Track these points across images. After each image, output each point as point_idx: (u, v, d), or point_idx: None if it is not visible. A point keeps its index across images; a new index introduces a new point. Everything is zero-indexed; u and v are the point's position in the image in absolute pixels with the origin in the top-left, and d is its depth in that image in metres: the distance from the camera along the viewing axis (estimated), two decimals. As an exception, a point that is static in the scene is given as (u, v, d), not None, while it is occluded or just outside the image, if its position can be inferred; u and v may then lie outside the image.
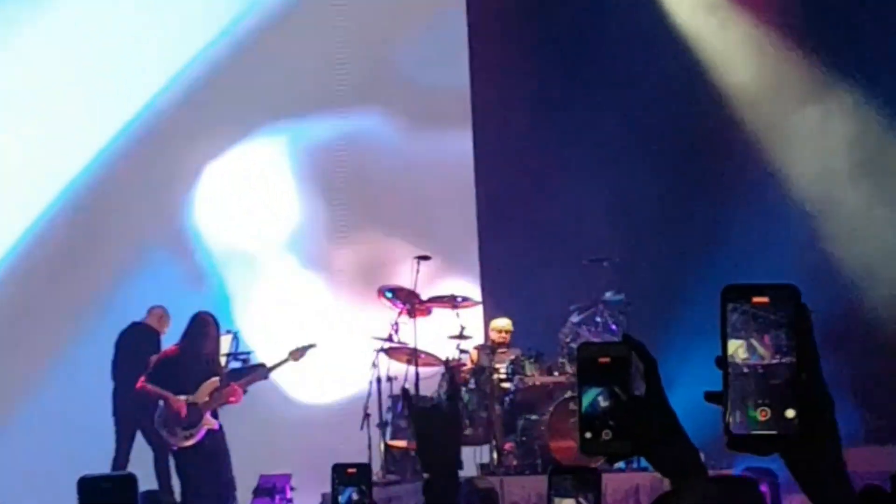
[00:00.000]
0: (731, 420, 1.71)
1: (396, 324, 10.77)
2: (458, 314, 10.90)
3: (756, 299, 1.73)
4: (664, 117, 12.62)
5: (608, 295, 10.95)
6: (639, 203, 12.56)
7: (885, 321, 11.92)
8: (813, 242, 12.03)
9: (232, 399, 9.31)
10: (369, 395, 10.70)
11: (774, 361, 1.71)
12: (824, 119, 12.28)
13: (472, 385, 10.56)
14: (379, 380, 10.72)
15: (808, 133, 12.36)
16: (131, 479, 3.27)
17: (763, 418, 1.70)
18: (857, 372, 10.91)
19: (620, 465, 10.16)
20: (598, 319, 10.88)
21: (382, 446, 10.56)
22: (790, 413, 1.71)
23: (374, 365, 10.70)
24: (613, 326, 10.69)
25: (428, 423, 2.87)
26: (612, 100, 12.77)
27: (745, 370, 1.72)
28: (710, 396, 1.73)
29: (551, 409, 10.13)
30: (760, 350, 1.72)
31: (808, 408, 1.70)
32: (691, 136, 12.72)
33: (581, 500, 2.83)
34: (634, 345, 1.94)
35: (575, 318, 10.88)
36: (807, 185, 12.33)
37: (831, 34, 12.47)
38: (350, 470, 3.97)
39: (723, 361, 1.73)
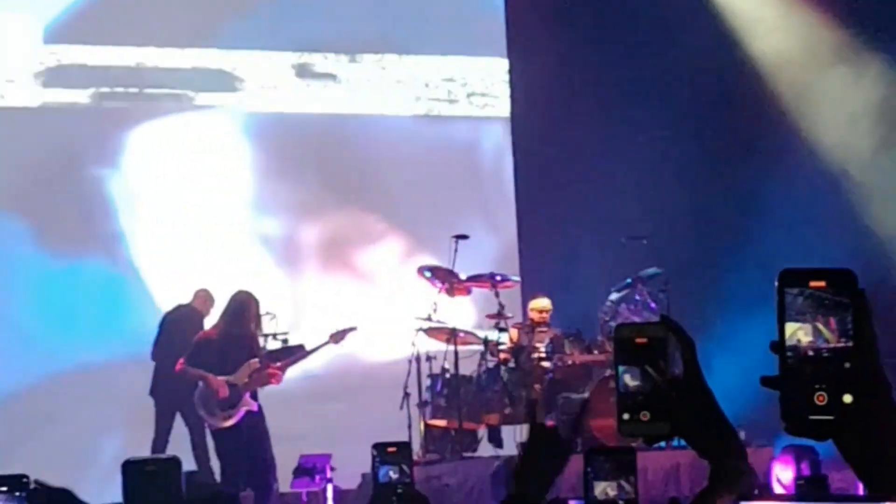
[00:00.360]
0: (788, 404, 1.69)
1: (435, 303, 10.76)
2: (496, 293, 10.89)
3: (814, 283, 1.71)
4: (701, 90, 12.55)
5: (648, 271, 10.89)
6: (678, 180, 12.50)
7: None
8: (850, 212, 11.90)
9: (272, 381, 9.33)
10: (409, 374, 10.70)
11: (833, 345, 1.69)
12: (856, 84, 12.16)
13: (511, 364, 10.56)
14: (418, 359, 10.72)
15: (841, 99, 12.24)
16: (175, 462, 3.28)
17: (820, 403, 1.68)
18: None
19: (660, 443, 10.13)
20: (638, 297, 10.83)
21: (422, 425, 10.57)
22: (847, 398, 1.69)
23: (414, 344, 10.69)
24: (653, 304, 10.65)
25: (541, 443, 2.80)
26: (649, 75, 12.73)
27: (802, 354, 1.69)
28: (767, 381, 1.71)
29: (591, 387, 10.11)
30: (826, 333, 1.70)
31: (866, 393, 1.68)
32: (728, 109, 12.63)
33: (622, 482, 2.81)
34: (672, 325, 1.93)
35: (614, 296, 10.85)
36: (841, 152, 12.21)
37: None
38: (391, 449, 3.96)
39: (779, 346, 1.71)
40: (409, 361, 10.70)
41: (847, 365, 1.70)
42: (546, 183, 13.35)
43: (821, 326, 1.70)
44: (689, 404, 1.91)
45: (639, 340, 1.93)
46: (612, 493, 2.75)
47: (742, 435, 8.26)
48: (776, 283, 1.72)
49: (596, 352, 10.46)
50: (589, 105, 13.03)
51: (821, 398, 1.70)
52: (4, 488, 3.30)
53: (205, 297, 11.02)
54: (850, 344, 1.69)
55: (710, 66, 12.58)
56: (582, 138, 13.04)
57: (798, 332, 1.70)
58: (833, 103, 12.26)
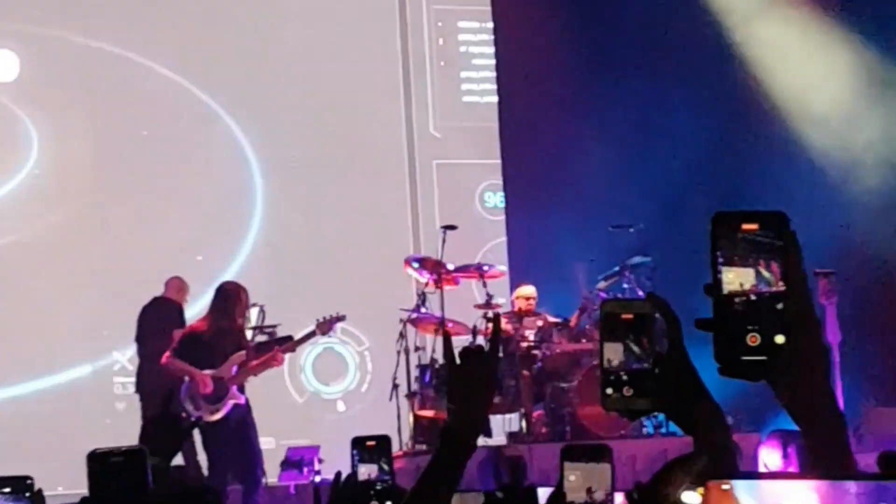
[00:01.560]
0: (721, 346, 1.72)
1: (423, 294, 10.74)
2: (484, 283, 10.88)
3: (746, 226, 1.73)
4: (690, 77, 12.55)
5: (635, 259, 10.91)
6: (666, 167, 12.50)
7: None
8: (836, 202, 11.92)
9: (274, 363, 9.31)
10: (397, 365, 10.69)
11: (763, 288, 1.72)
12: (835, 69, 12.22)
13: (500, 353, 10.52)
14: (407, 350, 10.70)
15: (825, 90, 12.30)
16: (141, 453, 3.23)
17: (753, 344, 1.71)
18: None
19: (649, 430, 10.13)
20: (625, 285, 10.86)
21: (411, 416, 10.55)
22: (780, 339, 1.70)
23: (402, 335, 10.68)
24: (640, 292, 10.65)
25: (467, 361, 2.80)
26: (640, 62, 12.73)
27: (738, 297, 1.72)
28: (701, 323, 1.74)
29: (579, 375, 10.10)
30: (768, 277, 1.72)
31: (797, 333, 1.71)
32: (717, 96, 12.64)
33: (596, 476, 2.72)
34: (658, 302, 1.93)
35: (601, 284, 10.86)
36: (827, 140, 12.26)
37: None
38: (370, 443, 3.90)
39: (712, 288, 1.73)
40: (398, 353, 10.69)
41: (779, 306, 1.71)
42: (534, 171, 13.34)
43: (763, 270, 1.72)
44: (673, 380, 1.91)
45: (624, 316, 1.94)
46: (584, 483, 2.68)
47: (729, 420, 8.25)
48: (709, 227, 1.74)
49: (584, 340, 10.46)
50: (577, 91, 13.02)
51: (753, 339, 1.71)
52: (7, 490, 3.26)
53: (178, 286, 10.92)
54: (776, 287, 1.71)
55: (700, 53, 12.60)
56: (570, 126, 13.03)
57: (739, 277, 1.72)
58: (819, 95, 12.34)
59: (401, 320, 10.71)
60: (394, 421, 10.46)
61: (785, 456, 7.69)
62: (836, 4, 12.28)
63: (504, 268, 11.78)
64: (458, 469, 2.76)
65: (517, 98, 13.47)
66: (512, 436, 10.47)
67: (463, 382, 2.71)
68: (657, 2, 12.69)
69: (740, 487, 1.66)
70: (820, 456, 1.76)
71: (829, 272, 9.75)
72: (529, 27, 13.16)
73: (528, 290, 11.04)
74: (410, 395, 10.63)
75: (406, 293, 11.09)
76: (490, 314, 10.46)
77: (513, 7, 13.43)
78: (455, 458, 2.72)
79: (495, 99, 13.65)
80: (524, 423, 10.37)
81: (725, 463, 1.84)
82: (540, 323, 10.69)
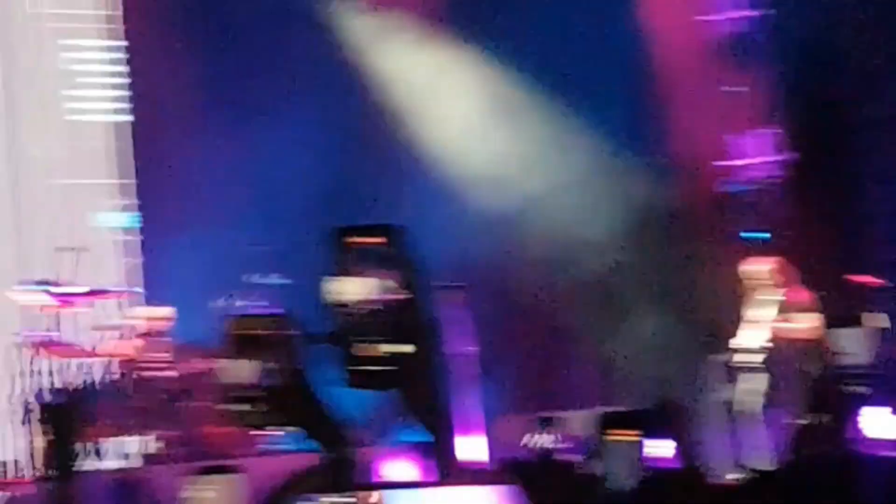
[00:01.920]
0: (343, 359, 1.75)
1: (46, 317, 10.48)
2: (119, 304, 10.76)
3: (362, 239, 1.78)
4: (317, 100, 12.76)
5: (267, 278, 10.96)
6: (295, 187, 12.62)
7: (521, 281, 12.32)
8: (465, 217, 12.33)
9: None
10: (22, 390, 10.40)
11: (387, 298, 1.77)
12: (458, 90, 12.71)
13: (130, 376, 10.42)
14: (33, 374, 10.36)
15: (448, 111, 12.76)
16: None
17: (371, 354, 1.76)
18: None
19: (283, 446, 10.18)
20: (260, 304, 10.86)
21: (38, 443, 10.26)
22: (403, 348, 1.77)
23: (22, 359, 10.38)
24: (272, 311, 10.68)
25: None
26: (265, 84, 12.86)
27: (357, 308, 1.76)
28: (318, 338, 1.77)
29: (210, 396, 10.04)
30: (388, 288, 1.77)
31: (415, 343, 1.77)
32: (346, 119, 12.89)
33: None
34: (287, 321, 1.95)
35: (235, 304, 10.85)
36: (450, 157, 12.71)
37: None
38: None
39: (332, 302, 1.76)
40: (19, 376, 10.37)
41: (395, 317, 1.76)
42: (167, 192, 13.25)
43: (380, 282, 1.77)
44: (300, 398, 1.95)
45: (253, 334, 1.94)
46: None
47: (365, 434, 8.39)
48: (331, 241, 1.76)
49: (215, 359, 10.40)
50: (206, 112, 13.04)
51: (371, 350, 1.76)
52: None
53: None
54: (399, 297, 1.78)
55: (324, 73, 12.84)
56: (201, 146, 13.02)
57: (356, 288, 1.77)
58: (440, 107, 12.78)
59: (23, 344, 10.38)
60: (23, 446, 10.14)
61: (416, 466, 7.91)
62: (457, 26, 12.75)
63: (128, 289, 11.68)
64: (76, 495, 2.72)
65: (147, 118, 13.36)
66: (143, 458, 10.33)
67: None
68: (284, 24, 12.84)
69: (392, 498, 1.71)
70: (439, 462, 1.83)
71: (459, 285, 10.04)
72: (157, 44, 13.07)
73: (161, 310, 10.97)
74: (39, 421, 10.34)
75: (27, 316, 10.77)
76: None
77: (141, 24, 13.30)
78: (65, 484, 2.68)
79: (114, 118, 13.47)
80: (153, 445, 10.24)
81: (347, 475, 1.88)
82: (172, 344, 10.62)
